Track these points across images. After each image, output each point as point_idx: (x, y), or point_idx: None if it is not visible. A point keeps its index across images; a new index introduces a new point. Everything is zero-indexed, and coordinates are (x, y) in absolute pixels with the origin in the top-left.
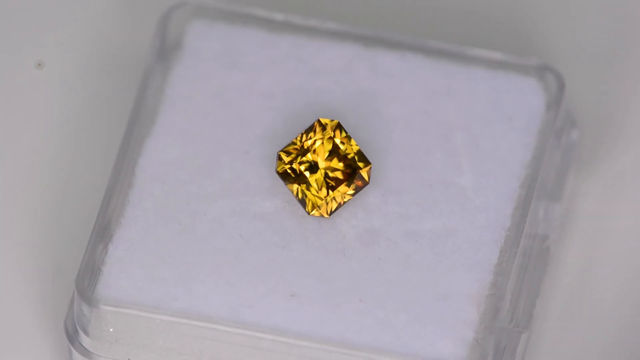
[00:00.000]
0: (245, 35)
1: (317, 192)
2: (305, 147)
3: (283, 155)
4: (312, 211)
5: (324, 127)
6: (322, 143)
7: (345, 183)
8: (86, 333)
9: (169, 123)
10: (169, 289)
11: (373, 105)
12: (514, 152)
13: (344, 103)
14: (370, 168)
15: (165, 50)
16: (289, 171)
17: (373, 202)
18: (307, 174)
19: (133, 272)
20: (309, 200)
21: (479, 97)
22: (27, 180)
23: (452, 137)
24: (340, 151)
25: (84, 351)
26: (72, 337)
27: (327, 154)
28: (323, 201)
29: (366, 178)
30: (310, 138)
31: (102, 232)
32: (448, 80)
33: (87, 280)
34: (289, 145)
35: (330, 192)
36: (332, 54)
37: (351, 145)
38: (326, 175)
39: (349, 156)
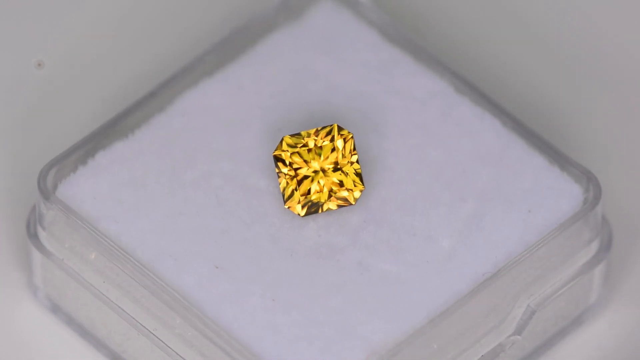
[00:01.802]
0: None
1: (299, 188)
2: (310, 144)
3: (286, 141)
4: (287, 204)
5: (338, 134)
6: (329, 148)
7: (331, 195)
8: (42, 227)
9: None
10: (125, 217)
11: (402, 132)
12: (510, 239)
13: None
14: (362, 191)
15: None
16: (284, 157)
17: (353, 222)
18: (300, 169)
19: (103, 186)
20: (288, 192)
21: (515, 173)
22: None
23: (464, 202)
24: (340, 164)
25: (38, 245)
26: (31, 230)
27: (326, 160)
28: (300, 198)
29: (351, 200)
30: (321, 138)
31: (104, 132)
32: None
33: (55, 173)
34: (297, 134)
35: (311, 194)
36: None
37: (352, 162)
38: (317, 178)
39: (347, 172)
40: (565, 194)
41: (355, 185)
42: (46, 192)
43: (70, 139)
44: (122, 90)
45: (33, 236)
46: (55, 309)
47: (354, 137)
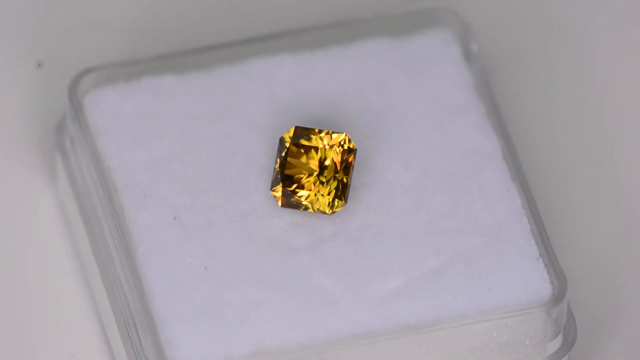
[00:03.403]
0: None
1: (286, 180)
2: (316, 142)
3: (295, 129)
4: (272, 188)
5: (345, 143)
6: (330, 153)
7: (310, 195)
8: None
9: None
10: (131, 144)
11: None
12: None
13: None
14: (342, 206)
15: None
16: (287, 143)
17: (325, 231)
18: (295, 166)
19: (128, 109)
20: (277, 177)
21: (500, 252)
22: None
23: (436, 255)
24: (332, 170)
25: (63, 151)
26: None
27: (323, 163)
28: (283, 190)
29: (328, 211)
30: (327, 141)
31: (163, 60)
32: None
33: (91, 80)
34: (309, 129)
35: (293, 188)
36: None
37: (346, 175)
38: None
39: (336, 182)
40: (534, 287)
41: (340, 199)
42: (75, 97)
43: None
44: (201, 29)
45: (60, 143)
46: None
47: (356, 151)
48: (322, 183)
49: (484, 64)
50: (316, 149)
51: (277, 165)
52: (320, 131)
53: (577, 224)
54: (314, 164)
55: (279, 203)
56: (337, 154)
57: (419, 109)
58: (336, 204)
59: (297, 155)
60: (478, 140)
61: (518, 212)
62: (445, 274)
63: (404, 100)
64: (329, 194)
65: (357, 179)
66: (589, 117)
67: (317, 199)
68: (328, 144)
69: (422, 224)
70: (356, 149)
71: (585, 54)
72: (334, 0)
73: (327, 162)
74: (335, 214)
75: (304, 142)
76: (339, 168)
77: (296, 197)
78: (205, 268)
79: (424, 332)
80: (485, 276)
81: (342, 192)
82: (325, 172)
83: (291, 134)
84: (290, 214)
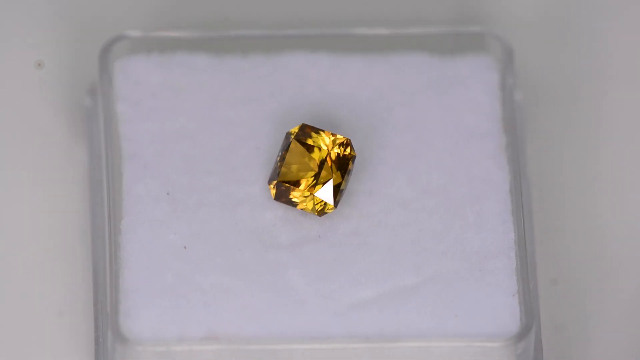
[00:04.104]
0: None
1: (283, 176)
2: (320, 143)
3: (304, 127)
4: (269, 181)
5: (347, 148)
6: (333, 156)
7: (302, 193)
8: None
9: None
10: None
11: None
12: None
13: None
14: (332, 209)
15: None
16: (292, 137)
17: (312, 232)
18: (295, 163)
19: (153, 80)
20: (276, 171)
21: (478, 285)
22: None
23: (414, 275)
24: (329, 176)
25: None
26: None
27: (321, 164)
28: (277, 183)
29: (316, 213)
30: (331, 143)
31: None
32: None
33: (123, 47)
34: (315, 128)
35: (289, 184)
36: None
37: (339, 180)
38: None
39: (329, 186)
40: (502, 322)
41: (330, 202)
42: (106, 60)
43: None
44: (246, 13)
45: (89, 104)
46: None
47: (355, 158)
48: (316, 184)
49: (521, 95)
50: (318, 148)
51: (278, 159)
52: (325, 132)
53: (572, 263)
54: (313, 164)
55: (273, 196)
56: (336, 157)
57: (439, 129)
58: (326, 207)
59: (298, 153)
60: (489, 169)
61: (508, 246)
62: (418, 293)
63: (427, 118)
64: (320, 198)
65: (358, 185)
66: (608, 170)
67: (309, 199)
68: (329, 146)
69: (410, 240)
70: (355, 156)
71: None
72: (384, 9)
73: (326, 164)
74: (326, 216)
75: (307, 140)
76: (334, 171)
77: (291, 194)
78: (185, 247)
79: (381, 346)
80: (457, 302)
81: (334, 196)
82: (323, 173)
83: (297, 130)
84: (282, 209)
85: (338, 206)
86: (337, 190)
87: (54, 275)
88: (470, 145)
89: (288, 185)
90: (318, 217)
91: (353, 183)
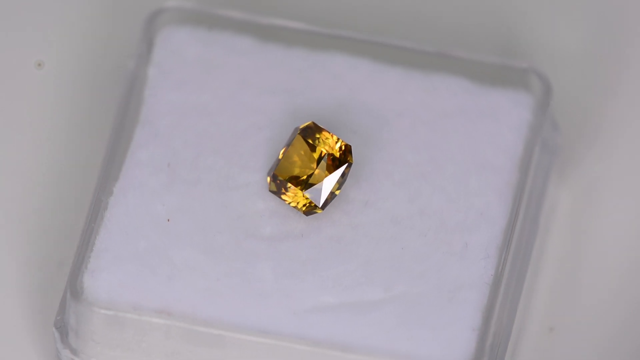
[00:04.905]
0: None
1: (281, 170)
2: (322, 145)
3: (311, 125)
4: (269, 174)
5: (346, 154)
6: (331, 159)
7: (296, 190)
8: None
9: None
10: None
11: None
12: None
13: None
14: (318, 212)
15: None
16: (301, 132)
17: (295, 230)
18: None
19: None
20: (275, 164)
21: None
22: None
23: (387, 290)
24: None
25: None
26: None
27: (318, 165)
28: (274, 176)
29: (302, 212)
30: (331, 146)
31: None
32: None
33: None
34: (322, 129)
35: (283, 179)
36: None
37: (330, 182)
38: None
39: (316, 184)
40: (454, 355)
41: (317, 205)
42: (151, 26)
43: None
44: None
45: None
46: None
47: (351, 166)
48: (308, 182)
49: (559, 139)
50: (319, 148)
51: (281, 152)
52: (331, 134)
53: (571, 312)
54: (311, 162)
55: (269, 187)
56: (334, 160)
57: (454, 155)
58: (313, 207)
59: (300, 149)
60: (490, 203)
61: (484, 282)
62: (380, 309)
63: (446, 142)
64: (307, 198)
65: (356, 194)
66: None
67: (298, 196)
68: (330, 149)
69: (389, 256)
70: (352, 163)
71: None
72: (434, 29)
73: (321, 165)
74: (315, 218)
75: (311, 138)
76: (328, 173)
77: (283, 188)
78: (168, 220)
79: (327, 353)
80: (415, 325)
81: (323, 198)
82: (316, 173)
83: (305, 126)
84: (276, 202)
85: (329, 210)
86: (328, 193)
87: (54, 226)
88: (480, 176)
89: (282, 179)
90: (307, 217)
91: (352, 191)
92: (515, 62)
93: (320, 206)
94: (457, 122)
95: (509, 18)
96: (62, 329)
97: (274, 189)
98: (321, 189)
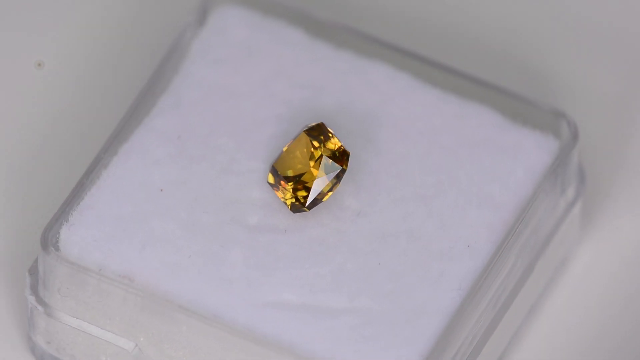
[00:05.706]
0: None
1: (282, 167)
2: (327, 147)
3: (320, 126)
4: (269, 171)
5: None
6: (328, 162)
7: (285, 186)
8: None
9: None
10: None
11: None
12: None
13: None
14: (304, 211)
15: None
16: (304, 131)
17: (281, 224)
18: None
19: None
20: (278, 157)
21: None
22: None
23: (371, 301)
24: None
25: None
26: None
27: (316, 165)
28: (273, 168)
29: (288, 205)
30: (331, 149)
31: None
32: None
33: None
34: (328, 131)
35: (282, 173)
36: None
37: (321, 184)
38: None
39: (307, 183)
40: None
41: (303, 205)
42: (206, 3)
43: None
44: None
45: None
46: None
47: (344, 172)
48: (299, 180)
49: (574, 185)
50: (319, 149)
51: (286, 147)
52: (335, 137)
53: None
54: (311, 162)
55: (270, 180)
56: (330, 164)
57: (461, 186)
58: (299, 205)
59: (301, 146)
60: (479, 238)
61: (446, 312)
62: (336, 318)
63: (458, 171)
64: (295, 195)
65: (352, 203)
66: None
67: (287, 192)
68: (330, 152)
69: (364, 269)
70: (345, 170)
71: None
72: (484, 58)
73: (317, 164)
74: (304, 217)
75: (314, 138)
76: (320, 175)
77: (279, 182)
78: (161, 190)
79: (266, 352)
80: (364, 340)
81: (310, 198)
82: (310, 172)
83: (313, 125)
84: (270, 194)
85: (320, 213)
86: (317, 194)
87: (56, 171)
88: (479, 210)
89: (279, 173)
90: (295, 214)
91: (348, 198)
92: (547, 103)
93: (307, 205)
94: (475, 152)
95: (544, 60)
96: (35, 276)
97: (272, 181)
98: (310, 189)
